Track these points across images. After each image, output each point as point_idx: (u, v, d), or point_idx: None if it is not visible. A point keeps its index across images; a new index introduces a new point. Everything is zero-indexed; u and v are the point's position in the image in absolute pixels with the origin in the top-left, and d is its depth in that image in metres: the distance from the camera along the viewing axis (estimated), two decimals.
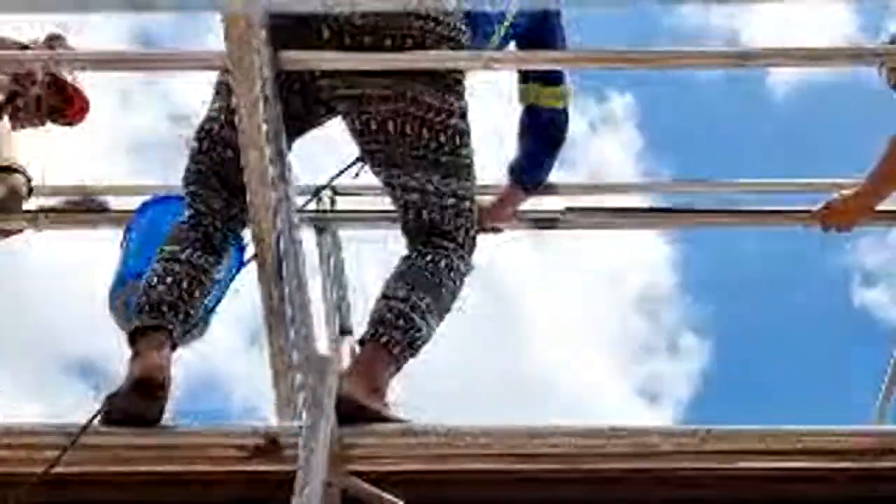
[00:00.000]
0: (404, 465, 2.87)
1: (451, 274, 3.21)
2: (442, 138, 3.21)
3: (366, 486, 2.78)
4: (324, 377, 2.80)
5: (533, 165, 3.84)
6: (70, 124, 4.35)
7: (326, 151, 3.59)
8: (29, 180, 4.10)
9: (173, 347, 3.02)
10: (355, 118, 3.22)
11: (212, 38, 2.90)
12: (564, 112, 3.78)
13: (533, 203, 3.96)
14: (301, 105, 3.23)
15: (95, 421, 2.85)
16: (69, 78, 4.17)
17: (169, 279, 3.09)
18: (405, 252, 3.26)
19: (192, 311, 3.07)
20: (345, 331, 4.01)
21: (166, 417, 2.93)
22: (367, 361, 3.06)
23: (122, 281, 3.57)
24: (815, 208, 3.82)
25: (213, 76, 3.31)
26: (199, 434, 2.89)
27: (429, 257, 3.20)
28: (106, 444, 2.86)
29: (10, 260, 4.27)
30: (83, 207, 4.11)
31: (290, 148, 3.20)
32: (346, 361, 3.77)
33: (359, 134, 3.24)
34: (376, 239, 3.99)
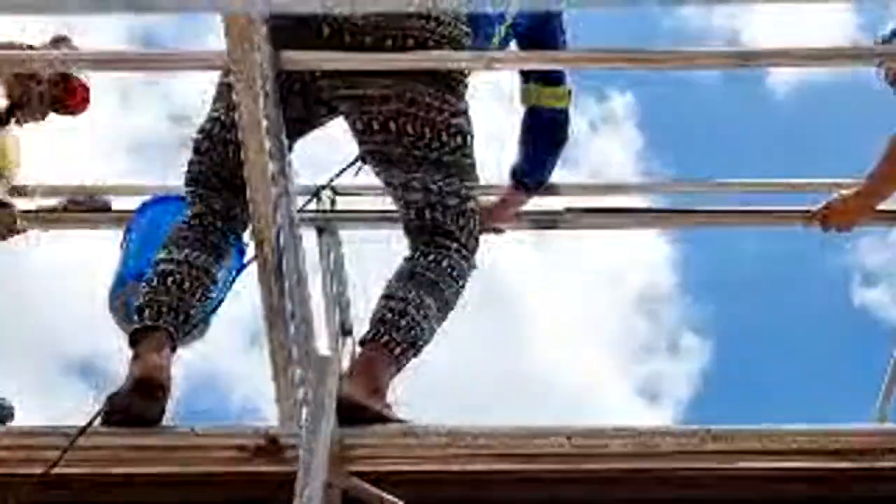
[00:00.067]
0: (405, 466, 2.86)
1: (454, 274, 3.20)
2: (444, 138, 3.20)
3: (366, 486, 2.78)
4: (324, 377, 2.80)
5: (534, 166, 3.84)
6: (72, 114, 4.33)
7: (328, 151, 3.59)
8: (13, 216, 4.09)
9: (174, 348, 3.02)
10: (357, 118, 3.22)
11: (213, 37, 2.90)
12: (565, 112, 3.78)
13: (534, 203, 3.96)
14: (302, 105, 3.23)
15: (95, 422, 2.85)
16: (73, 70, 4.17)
17: (169, 280, 3.09)
18: (407, 252, 3.26)
19: (192, 313, 3.07)
20: (345, 331, 4.01)
21: (167, 418, 2.93)
22: (368, 362, 3.06)
23: (122, 281, 3.57)
24: (814, 208, 3.83)
25: (213, 76, 3.31)
26: (200, 435, 2.89)
27: (431, 257, 3.20)
28: (106, 445, 2.85)
29: (11, 260, 4.27)
30: (87, 206, 4.11)
31: (290, 148, 3.20)
32: (346, 362, 3.77)
33: (360, 134, 3.24)
34: (377, 239, 4.00)
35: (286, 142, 3.05)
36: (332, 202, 3.96)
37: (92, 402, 2.92)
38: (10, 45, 3.89)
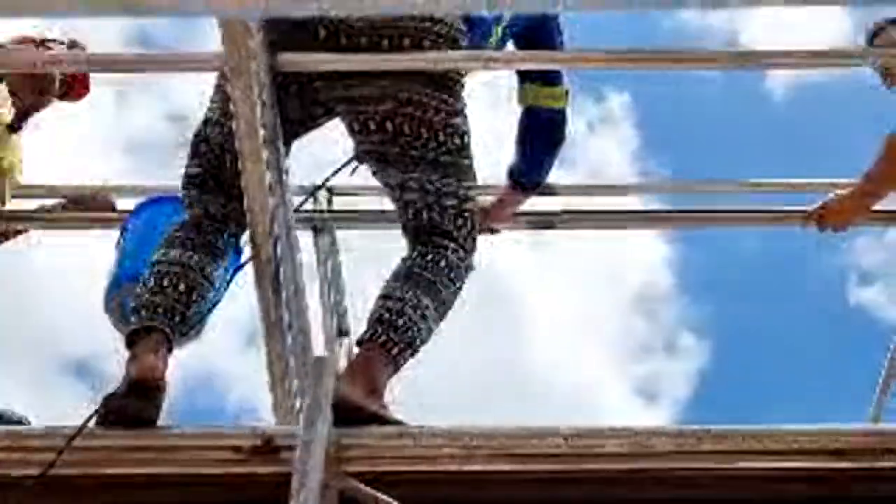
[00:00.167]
0: (401, 467, 2.86)
1: (451, 274, 3.20)
2: (441, 138, 3.20)
3: (363, 487, 2.77)
4: (321, 378, 2.80)
5: (532, 166, 3.84)
6: (74, 100, 4.32)
7: (324, 151, 3.59)
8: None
9: (170, 349, 3.02)
10: (353, 119, 3.22)
11: (211, 38, 2.90)
12: (563, 113, 3.78)
13: (531, 204, 3.96)
14: (299, 107, 3.22)
15: (91, 422, 2.85)
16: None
17: (166, 281, 3.09)
18: (405, 252, 3.26)
19: (188, 314, 3.07)
20: (342, 331, 4.01)
21: (163, 418, 2.93)
22: (365, 362, 3.05)
23: (118, 282, 3.57)
24: (811, 208, 3.83)
25: (211, 76, 3.31)
26: (196, 435, 2.89)
27: (429, 257, 3.20)
28: (102, 446, 2.86)
29: (9, 260, 4.27)
30: (92, 205, 4.10)
31: (288, 150, 3.20)
32: (344, 362, 3.77)
33: (357, 134, 3.24)
34: (374, 239, 4.00)
35: (283, 144, 3.05)
36: (329, 202, 3.96)
37: (89, 403, 2.93)
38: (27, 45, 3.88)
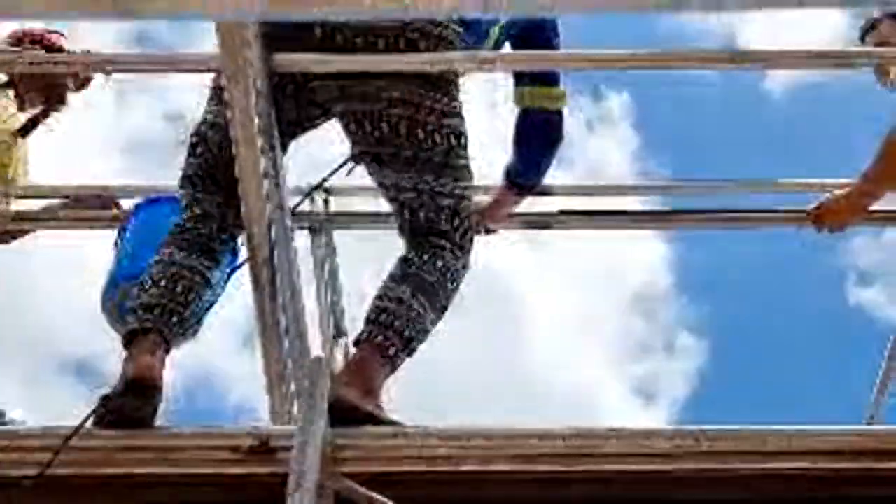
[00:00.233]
0: (397, 467, 2.86)
1: (448, 274, 3.21)
2: (437, 138, 3.20)
3: (359, 487, 2.78)
4: (317, 379, 2.80)
5: (528, 167, 3.84)
6: (76, 91, 4.30)
7: (320, 150, 3.60)
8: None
9: (167, 350, 3.03)
10: (350, 120, 3.22)
11: (208, 38, 2.91)
12: (560, 114, 3.78)
13: (528, 204, 3.96)
14: (295, 107, 3.23)
15: (88, 423, 2.86)
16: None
17: (163, 282, 3.10)
18: (401, 252, 3.27)
19: (185, 315, 3.08)
20: (340, 332, 4.01)
21: (161, 418, 2.93)
22: (361, 362, 3.06)
23: (116, 282, 3.57)
24: (808, 208, 3.83)
25: (209, 77, 3.31)
26: (193, 436, 2.90)
27: (425, 257, 3.20)
28: (99, 447, 2.86)
29: (9, 259, 4.27)
30: (97, 203, 4.10)
31: (285, 150, 3.20)
32: (341, 363, 3.77)
33: (353, 135, 3.24)
34: (371, 240, 4.00)
35: (279, 145, 3.05)
36: (326, 203, 3.96)
37: (87, 403, 2.94)
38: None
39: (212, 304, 3.23)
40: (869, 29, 3.87)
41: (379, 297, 3.14)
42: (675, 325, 12.88)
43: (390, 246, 3.32)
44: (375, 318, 3.09)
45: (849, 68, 3.81)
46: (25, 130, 3.96)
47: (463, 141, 3.25)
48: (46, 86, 3.94)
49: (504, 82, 3.79)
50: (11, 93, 4.03)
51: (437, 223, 3.22)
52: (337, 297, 4.03)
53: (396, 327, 3.07)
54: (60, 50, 3.85)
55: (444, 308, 3.20)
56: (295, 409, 3.04)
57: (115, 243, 3.73)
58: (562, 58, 3.65)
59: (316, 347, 3.43)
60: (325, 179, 3.49)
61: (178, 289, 3.09)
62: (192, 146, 3.30)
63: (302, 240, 3.88)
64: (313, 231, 3.97)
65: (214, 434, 2.91)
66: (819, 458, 2.90)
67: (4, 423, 3.94)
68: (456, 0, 1.62)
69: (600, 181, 4.80)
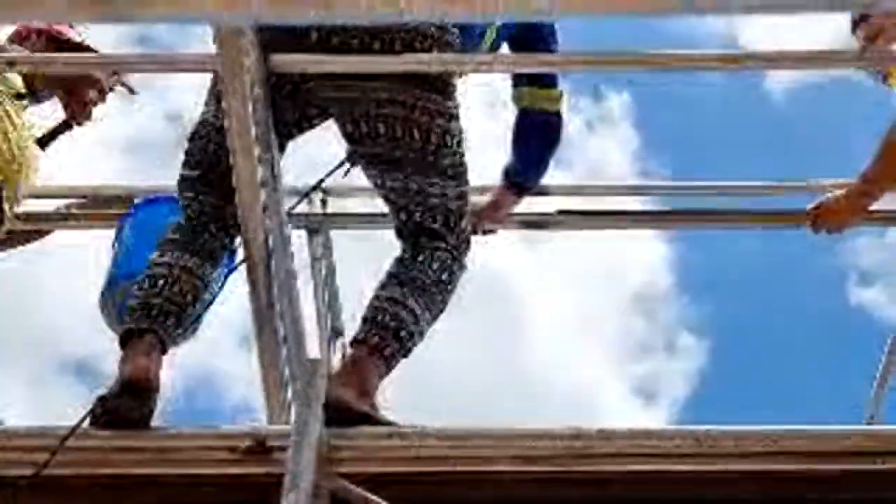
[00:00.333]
0: (393, 467, 2.87)
1: (444, 275, 3.21)
2: (433, 139, 3.21)
3: (354, 488, 2.78)
4: (313, 379, 2.81)
5: (527, 168, 3.84)
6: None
7: (323, 151, 3.60)
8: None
9: (164, 350, 3.04)
10: (346, 121, 3.22)
11: (209, 40, 2.91)
12: (558, 115, 3.78)
13: (526, 205, 3.96)
14: (292, 108, 3.23)
15: (85, 423, 2.86)
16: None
17: (161, 282, 3.11)
18: (398, 253, 3.27)
19: (182, 315, 3.09)
20: (337, 333, 4.01)
21: (159, 419, 2.94)
22: (357, 363, 3.07)
23: (114, 282, 3.57)
24: (807, 209, 3.82)
25: (208, 76, 3.31)
26: (189, 436, 2.91)
27: (420, 258, 3.21)
28: (96, 447, 2.87)
29: (17, 260, 4.27)
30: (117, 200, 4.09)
31: (282, 151, 3.21)
32: (337, 363, 3.77)
33: (350, 136, 3.24)
34: (369, 240, 4.00)
35: (276, 145, 3.06)
36: (324, 203, 3.96)
37: (88, 403, 2.93)
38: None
39: (209, 305, 3.23)
40: (859, 20, 3.86)
41: (375, 298, 3.15)
42: (676, 325, 12.87)
43: (388, 246, 3.33)
44: (371, 319, 3.09)
45: (848, 68, 3.82)
46: (45, 141, 3.94)
47: (459, 142, 3.25)
48: (70, 93, 3.90)
49: (502, 83, 3.80)
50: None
51: (433, 224, 3.23)
52: (334, 297, 4.03)
53: (392, 328, 3.07)
54: (68, 41, 3.85)
55: (441, 309, 3.20)
56: (291, 409, 3.04)
57: (114, 243, 3.74)
58: (557, 59, 3.65)
59: (313, 348, 3.44)
60: (321, 180, 3.50)
61: (176, 290, 3.10)
62: (190, 146, 3.30)
63: (300, 240, 3.89)
64: (311, 232, 3.98)
65: (211, 434, 2.91)
66: (813, 459, 2.90)
67: None
68: (451, 3, 1.61)
69: (601, 181, 4.81)
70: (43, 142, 3.89)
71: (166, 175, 3.53)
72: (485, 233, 3.87)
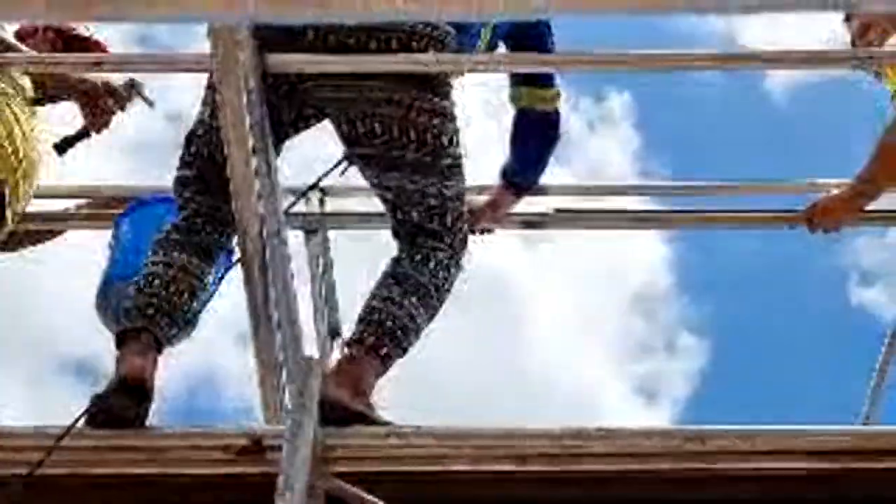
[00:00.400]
0: (388, 467, 2.87)
1: (440, 274, 3.21)
2: (429, 139, 3.21)
3: (349, 487, 2.78)
4: (308, 378, 2.81)
5: (525, 167, 3.84)
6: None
7: (322, 150, 3.60)
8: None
9: (159, 350, 3.04)
10: (342, 121, 3.22)
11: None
12: (556, 114, 3.78)
13: (525, 204, 3.96)
14: (289, 108, 3.23)
15: (80, 422, 2.86)
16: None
17: (157, 282, 3.11)
18: (395, 253, 3.27)
19: (179, 315, 3.09)
20: (334, 332, 4.01)
21: (161, 417, 2.95)
22: (353, 363, 3.07)
23: (110, 282, 3.57)
24: (802, 209, 3.82)
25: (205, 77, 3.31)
26: (184, 435, 2.91)
27: (417, 258, 3.21)
28: (90, 446, 2.87)
29: (17, 261, 4.27)
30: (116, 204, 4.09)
31: (278, 151, 3.21)
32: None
33: (346, 136, 3.24)
34: (367, 240, 4.00)
35: (272, 145, 3.06)
36: (322, 203, 3.96)
37: (83, 404, 2.93)
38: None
39: (205, 304, 3.23)
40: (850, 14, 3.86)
41: (371, 298, 3.15)
42: (676, 325, 12.87)
43: (386, 246, 3.33)
44: (367, 319, 3.10)
45: (846, 68, 3.82)
46: (64, 147, 3.93)
47: (456, 142, 3.25)
48: (89, 102, 3.88)
49: (500, 83, 3.79)
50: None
51: (429, 224, 3.23)
52: (332, 297, 4.03)
53: (388, 328, 3.07)
54: (76, 37, 3.84)
55: (437, 309, 3.20)
56: (286, 409, 3.04)
57: (110, 243, 3.74)
58: (556, 59, 3.64)
59: (311, 348, 3.44)
60: (318, 180, 3.50)
61: (172, 289, 3.10)
62: (187, 146, 3.30)
63: (297, 240, 3.89)
64: (309, 231, 3.97)
65: (206, 434, 2.91)
66: (809, 458, 2.90)
67: None
68: (448, 1, 1.61)
69: (602, 181, 4.80)
70: (61, 148, 3.89)
71: (166, 175, 3.54)
72: (482, 232, 3.87)
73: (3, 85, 3.69)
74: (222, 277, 3.27)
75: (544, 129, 3.78)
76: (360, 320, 3.11)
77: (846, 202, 3.76)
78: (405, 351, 3.12)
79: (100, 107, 3.77)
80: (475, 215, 3.75)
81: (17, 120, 3.72)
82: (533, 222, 3.99)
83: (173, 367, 3.25)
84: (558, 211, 3.97)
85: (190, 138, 3.30)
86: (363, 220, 3.92)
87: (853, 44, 3.94)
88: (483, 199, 3.87)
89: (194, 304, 3.15)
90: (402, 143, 3.18)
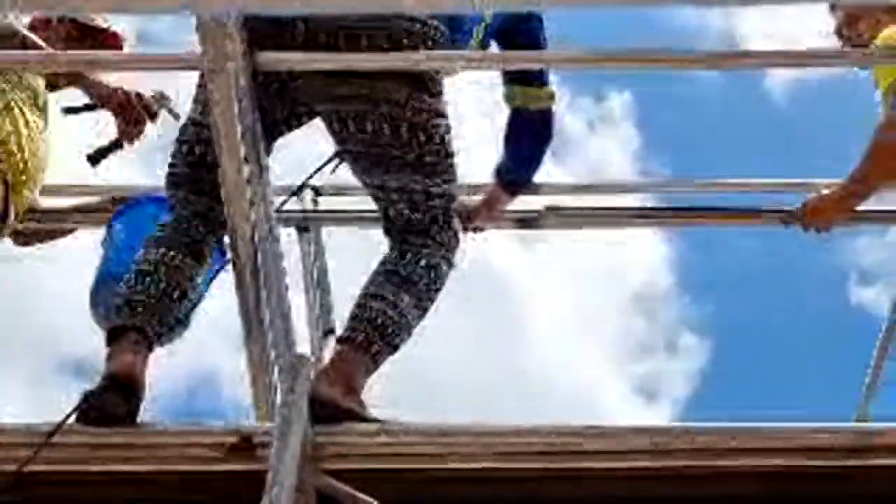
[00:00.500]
0: (378, 464, 2.87)
1: (432, 273, 3.21)
2: (420, 137, 3.21)
3: (339, 485, 2.78)
4: (298, 376, 2.81)
5: (519, 166, 3.84)
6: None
7: (315, 148, 3.60)
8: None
9: (150, 348, 3.04)
10: (333, 119, 3.22)
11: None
12: (550, 112, 3.78)
13: (520, 203, 3.96)
14: (280, 106, 3.24)
15: (70, 419, 2.86)
16: None
17: (147, 280, 3.11)
18: (386, 251, 3.27)
19: (169, 313, 3.09)
20: (328, 331, 4.01)
21: (155, 417, 2.95)
22: (343, 360, 3.07)
23: (103, 281, 3.58)
24: (794, 208, 3.82)
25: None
26: (174, 433, 2.91)
27: (408, 256, 3.21)
28: (80, 443, 2.87)
29: (9, 259, 4.28)
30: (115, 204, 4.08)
31: (269, 150, 3.21)
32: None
33: (337, 134, 3.25)
34: (360, 238, 3.99)
35: (263, 143, 3.06)
36: (315, 202, 3.96)
37: (71, 401, 2.94)
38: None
39: (197, 303, 3.24)
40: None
41: (362, 296, 3.15)
42: (677, 325, 12.88)
43: (379, 244, 3.33)
44: (358, 317, 3.10)
45: (843, 66, 3.82)
46: (97, 158, 3.93)
47: (447, 140, 3.25)
48: (122, 113, 3.86)
49: (493, 81, 3.79)
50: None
51: (420, 222, 3.23)
52: (325, 295, 4.03)
53: (379, 325, 3.08)
54: (94, 28, 3.84)
55: (428, 306, 3.21)
56: (277, 406, 3.03)
57: (104, 242, 3.75)
58: (549, 57, 3.64)
59: (304, 346, 3.44)
60: (309, 178, 3.51)
61: (163, 288, 3.11)
62: (178, 145, 3.31)
63: (290, 238, 3.89)
64: (301, 229, 3.97)
65: (197, 431, 2.91)
66: (805, 455, 2.91)
67: None
68: None
69: (601, 180, 4.79)
70: (94, 159, 3.89)
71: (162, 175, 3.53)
72: (475, 230, 3.88)
73: (9, 84, 3.70)
74: (214, 277, 3.27)
75: (538, 128, 3.78)
76: (352, 318, 3.11)
77: (837, 202, 3.75)
78: (396, 349, 3.12)
79: (134, 118, 3.78)
80: (469, 214, 3.76)
81: (25, 118, 3.73)
82: (527, 220, 3.99)
83: (174, 368, 3.25)
84: (549, 209, 3.97)
85: (182, 137, 3.31)
86: (356, 217, 3.92)
87: (839, 33, 3.94)
88: (476, 197, 3.88)
89: (185, 302, 3.15)
90: (393, 142, 3.18)
